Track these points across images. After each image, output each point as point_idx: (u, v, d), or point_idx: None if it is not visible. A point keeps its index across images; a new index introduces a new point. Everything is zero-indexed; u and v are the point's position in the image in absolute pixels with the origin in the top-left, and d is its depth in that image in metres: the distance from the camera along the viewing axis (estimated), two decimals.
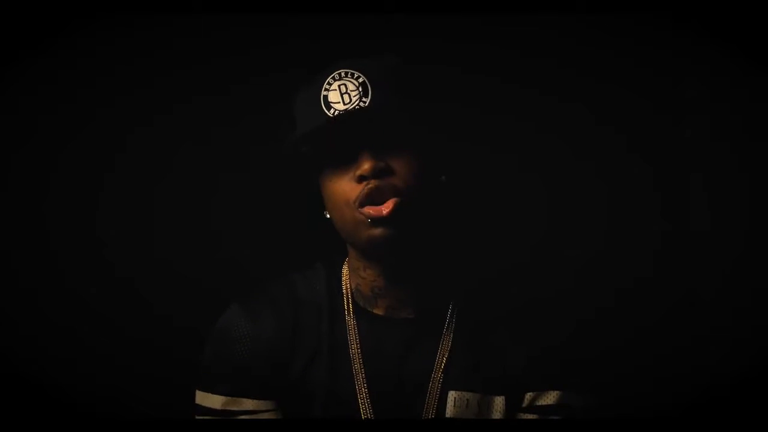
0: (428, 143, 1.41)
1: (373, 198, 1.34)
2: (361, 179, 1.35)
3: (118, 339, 1.83)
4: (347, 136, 1.36)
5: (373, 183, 1.34)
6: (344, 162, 1.37)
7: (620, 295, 1.85)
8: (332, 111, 1.35)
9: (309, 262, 1.54)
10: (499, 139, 1.85)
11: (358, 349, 1.44)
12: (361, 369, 1.43)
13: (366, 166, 1.34)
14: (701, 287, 1.85)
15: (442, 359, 1.43)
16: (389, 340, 1.43)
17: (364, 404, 1.42)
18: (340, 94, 1.36)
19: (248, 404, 1.44)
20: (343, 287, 1.49)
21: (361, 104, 1.35)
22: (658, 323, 1.87)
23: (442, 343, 1.44)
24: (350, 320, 1.46)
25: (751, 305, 1.81)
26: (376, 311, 1.45)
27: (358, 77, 1.36)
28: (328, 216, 1.41)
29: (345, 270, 1.50)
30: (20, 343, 1.79)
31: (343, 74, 1.37)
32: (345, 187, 1.36)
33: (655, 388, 1.85)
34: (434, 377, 1.42)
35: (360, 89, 1.36)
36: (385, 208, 1.33)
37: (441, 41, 1.83)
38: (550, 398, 1.43)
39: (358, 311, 1.46)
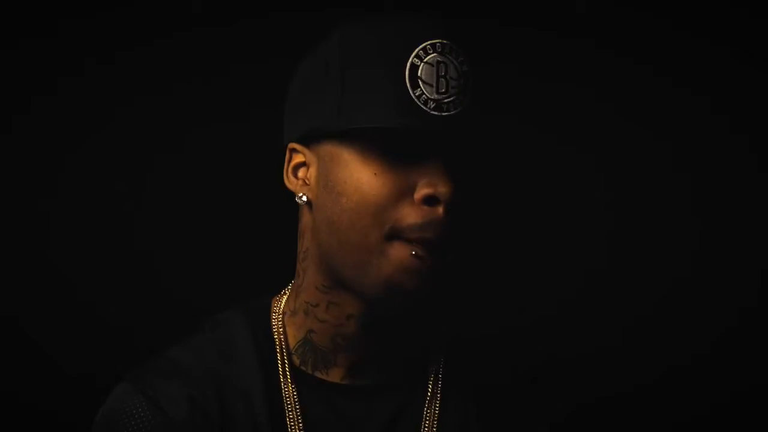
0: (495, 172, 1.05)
1: (429, 233, 0.95)
2: (427, 201, 0.95)
3: (118, 339, 1.84)
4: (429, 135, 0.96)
5: (440, 213, 0.95)
6: (402, 161, 0.96)
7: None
8: (423, 98, 0.95)
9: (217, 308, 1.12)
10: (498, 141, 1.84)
11: None
12: None
13: (443, 188, 0.94)
14: (702, 287, 1.85)
15: None
16: (352, 420, 1.00)
17: None
18: (437, 77, 0.96)
19: None
20: (276, 342, 1.03)
21: (461, 103, 0.97)
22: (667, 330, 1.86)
23: (427, 418, 1.02)
24: (290, 392, 1.01)
25: (753, 305, 1.81)
26: (329, 377, 1.02)
27: (462, 61, 0.98)
28: (304, 199, 1.01)
29: (278, 311, 1.06)
30: (20, 342, 1.80)
31: (442, 47, 0.97)
32: (393, 196, 0.95)
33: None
34: None
35: (462, 80, 0.97)
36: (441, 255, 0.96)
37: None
38: None
39: (302, 377, 1.02)
